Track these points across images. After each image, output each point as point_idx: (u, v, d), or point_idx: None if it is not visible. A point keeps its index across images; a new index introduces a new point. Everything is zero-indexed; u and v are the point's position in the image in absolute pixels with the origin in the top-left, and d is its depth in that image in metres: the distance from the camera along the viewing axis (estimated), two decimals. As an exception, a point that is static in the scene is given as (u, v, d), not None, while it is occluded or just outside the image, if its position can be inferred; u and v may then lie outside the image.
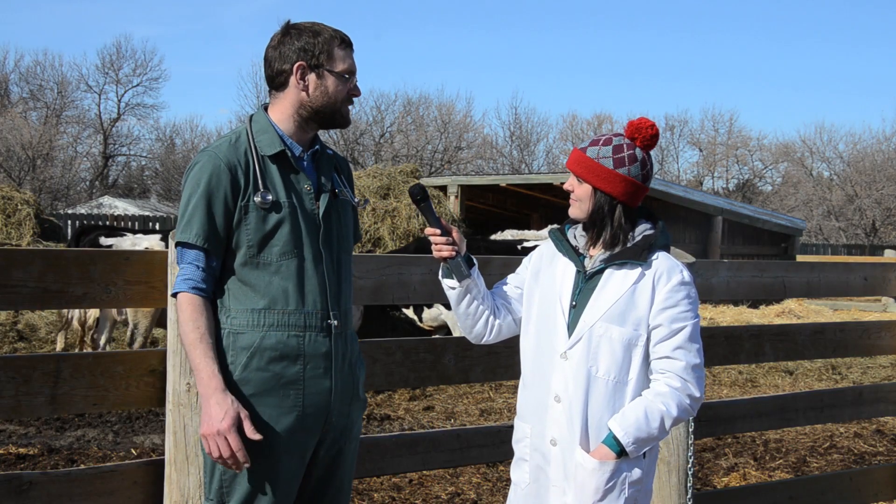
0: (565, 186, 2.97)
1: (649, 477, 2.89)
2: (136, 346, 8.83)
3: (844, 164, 48.21)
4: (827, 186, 46.50)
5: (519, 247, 10.74)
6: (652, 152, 2.97)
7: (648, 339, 2.83)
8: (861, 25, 78.74)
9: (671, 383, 2.78)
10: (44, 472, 3.15)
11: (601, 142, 2.89)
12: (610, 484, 2.77)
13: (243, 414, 2.70)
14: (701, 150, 51.50)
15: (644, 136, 2.88)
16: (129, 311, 8.87)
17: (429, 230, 2.93)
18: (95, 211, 34.61)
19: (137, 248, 9.17)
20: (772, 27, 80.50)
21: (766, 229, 22.16)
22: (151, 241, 9.43)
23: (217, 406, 2.68)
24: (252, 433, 2.69)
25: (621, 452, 2.76)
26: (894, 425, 7.95)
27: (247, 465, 2.70)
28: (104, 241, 9.59)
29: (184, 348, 2.82)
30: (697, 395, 2.80)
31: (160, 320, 8.92)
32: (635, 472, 2.81)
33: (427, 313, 10.32)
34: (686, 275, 2.86)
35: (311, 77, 2.85)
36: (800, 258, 24.48)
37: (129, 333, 9.02)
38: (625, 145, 2.88)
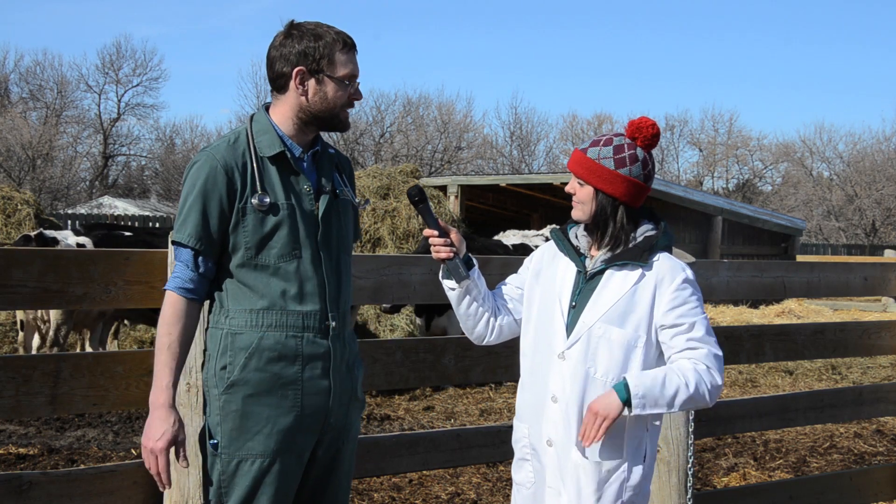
0: (567, 189, 2.95)
1: (647, 480, 2.87)
2: (47, 349, 8.79)
3: (844, 164, 48.20)
4: (827, 186, 46.49)
5: (533, 245, 10.72)
6: (652, 152, 2.96)
7: (648, 341, 2.81)
8: (861, 25, 78.78)
9: (697, 366, 2.75)
10: (44, 472, 3.15)
11: (602, 142, 2.88)
12: (607, 484, 2.77)
13: (180, 438, 2.72)
14: (701, 150, 51.47)
15: (645, 135, 2.87)
16: (54, 314, 8.83)
17: (427, 231, 2.92)
18: (95, 211, 34.57)
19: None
20: (772, 27, 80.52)
21: (766, 229, 22.14)
22: (71, 239, 9.30)
23: (158, 422, 2.70)
24: (181, 461, 2.72)
25: (627, 402, 2.71)
26: (894, 425, 7.95)
27: (166, 490, 2.75)
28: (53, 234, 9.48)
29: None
30: (719, 382, 2.77)
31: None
32: (635, 474, 2.80)
33: (436, 321, 10.27)
34: (689, 273, 2.85)
35: (311, 82, 2.83)
36: (800, 258, 24.46)
37: (51, 335, 8.89)
38: (625, 145, 2.86)
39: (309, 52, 2.81)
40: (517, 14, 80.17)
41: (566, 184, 2.97)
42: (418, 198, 2.90)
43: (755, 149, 51.25)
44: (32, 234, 9.32)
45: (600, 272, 2.87)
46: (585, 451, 2.79)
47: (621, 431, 2.81)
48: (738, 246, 21.68)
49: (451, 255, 2.89)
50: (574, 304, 2.88)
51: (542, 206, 23.33)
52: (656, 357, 2.86)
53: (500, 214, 23.73)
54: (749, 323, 14.94)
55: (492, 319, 3.01)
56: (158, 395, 2.72)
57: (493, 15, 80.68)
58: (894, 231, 42.97)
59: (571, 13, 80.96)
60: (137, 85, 47.96)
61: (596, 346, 2.81)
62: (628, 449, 2.82)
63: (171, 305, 2.77)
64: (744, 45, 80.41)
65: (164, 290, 2.80)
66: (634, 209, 2.88)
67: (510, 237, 12.03)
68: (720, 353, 2.80)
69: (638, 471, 2.81)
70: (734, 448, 7.08)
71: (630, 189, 2.84)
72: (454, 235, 2.91)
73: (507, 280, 3.11)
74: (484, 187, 22.32)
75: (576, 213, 2.91)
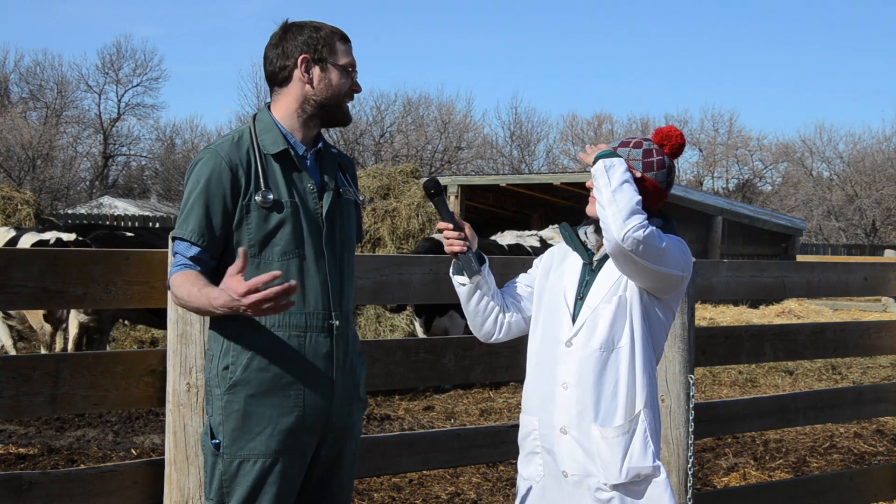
0: (589, 184, 2.96)
1: (658, 419, 2.94)
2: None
3: (844, 164, 48.16)
4: (827, 186, 46.47)
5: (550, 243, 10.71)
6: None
7: (641, 303, 2.85)
8: (861, 25, 78.70)
9: (643, 215, 2.74)
10: (44, 472, 3.15)
11: (631, 144, 2.92)
12: (632, 443, 2.82)
13: (233, 271, 2.56)
14: (701, 150, 51.40)
15: (673, 144, 2.93)
16: (74, 315, 8.98)
17: (441, 224, 2.96)
18: (95, 211, 34.57)
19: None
20: (772, 27, 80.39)
21: (766, 229, 22.14)
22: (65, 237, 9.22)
23: (219, 294, 2.58)
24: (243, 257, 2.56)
25: (600, 159, 2.79)
26: (894, 425, 7.95)
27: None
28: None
29: (189, 308, 2.74)
30: (639, 235, 2.69)
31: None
32: (649, 419, 2.85)
33: (438, 322, 10.25)
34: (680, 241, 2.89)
35: (316, 70, 2.87)
36: (800, 258, 24.47)
37: (73, 337, 9.07)
38: (654, 150, 2.91)
39: (311, 42, 2.86)
40: (517, 14, 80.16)
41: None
42: (434, 190, 2.95)
43: (755, 149, 51.22)
44: (65, 236, 9.18)
45: (603, 260, 2.92)
46: (606, 419, 2.84)
47: (631, 392, 2.86)
48: (738, 246, 21.69)
49: (465, 248, 2.93)
50: (581, 295, 2.92)
51: (542, 206, 23.32)
52: (654, 316, 2.90)
53: (500, 214, 23.73)
54: (749, 323, 14.94)
55: (500, 316, 3.04)
56: (212, 297, 2.60)
57: (493, 15, 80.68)
58: (894, 231, 42.97)
59: (571, 13, 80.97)
60: (137, 85, 47.91)
61: (599, 325, 2.86)
62: (638, 400, 2.86)
63: (182, 275, 2.71)
64: (744, 45, 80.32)
65: (169, 277, 2.76)
66: (650, 213, 2.89)
67: (506, 237, 12.03)
68: (656, 235, 2.75)
69: (651, 414, 2.87)
70: (734, 448, 7.08)
71: (652, 194, 2.88)
72: (468, 230, 2.96)
73: (518, 279, 3.14)
74: (484, 187, 22.32)
75: (593, 210, 2.92)
